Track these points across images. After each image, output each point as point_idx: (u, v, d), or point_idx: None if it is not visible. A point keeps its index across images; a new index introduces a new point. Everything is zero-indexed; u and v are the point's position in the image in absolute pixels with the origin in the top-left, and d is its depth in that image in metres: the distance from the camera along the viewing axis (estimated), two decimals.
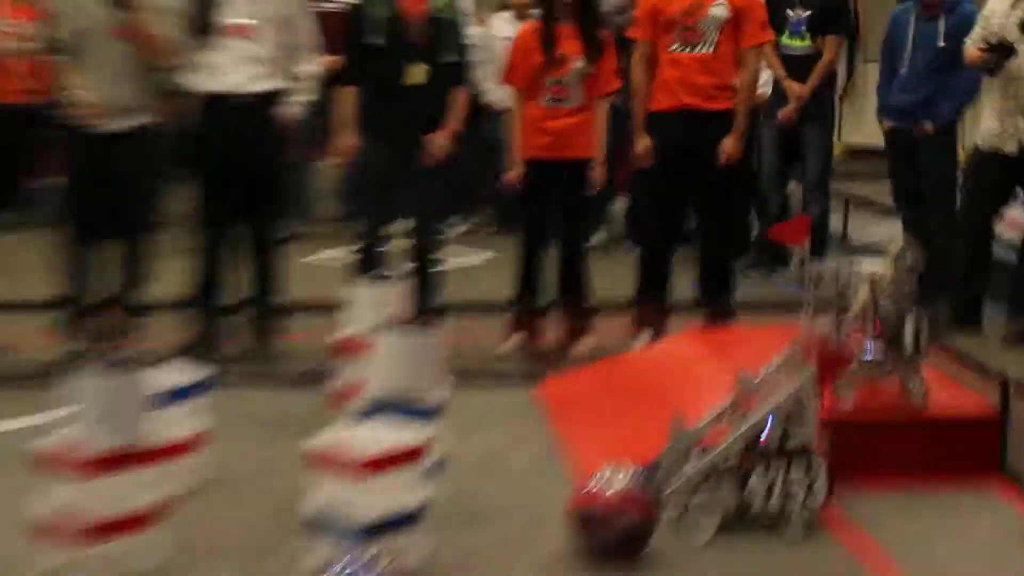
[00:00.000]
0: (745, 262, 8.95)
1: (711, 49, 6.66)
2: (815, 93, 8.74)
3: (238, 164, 6.62)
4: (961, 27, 7.45)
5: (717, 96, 6.70)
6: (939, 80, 7.72)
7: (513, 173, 6.97)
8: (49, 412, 4.52)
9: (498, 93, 9.04)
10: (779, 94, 8.86)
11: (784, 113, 8.76)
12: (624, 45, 7.18)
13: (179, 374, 4.96)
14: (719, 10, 6.62)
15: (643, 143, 6.83)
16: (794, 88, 8.71)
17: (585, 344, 6.89)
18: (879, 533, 4.57)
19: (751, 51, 6.80)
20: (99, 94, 6.54)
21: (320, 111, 9.59)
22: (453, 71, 6.79)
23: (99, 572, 4.03)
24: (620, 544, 4.23)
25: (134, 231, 6.79)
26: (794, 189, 9.58)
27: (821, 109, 8.90)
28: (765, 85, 9.02)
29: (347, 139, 6.77)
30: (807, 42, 8.77)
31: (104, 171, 6.63)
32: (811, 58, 8.76)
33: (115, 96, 6.55)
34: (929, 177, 7.88)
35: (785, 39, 8.77)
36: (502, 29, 10.08)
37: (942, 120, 7.80)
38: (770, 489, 4.48)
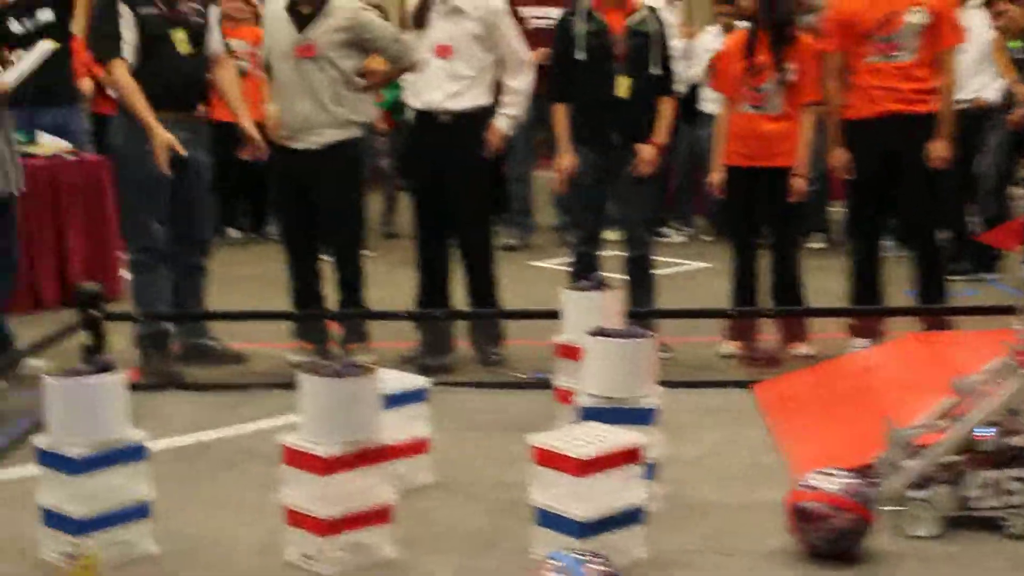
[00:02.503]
0: (958, 267, 8.84)
1: (911, 56, 6.61)
2: None
3: (445, 178, 6.82)
4: None
5: (920, 100, 6.64)
6: None
7: (714, 178, 7.09)
8: (291, 413, 4.71)
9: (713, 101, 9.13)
10: (1009, 97, 8.69)
11: (1015, 116, 8.55)
12: None
13: (404, 379, 5.12)
14: (917, 17, 6.55)
15: (839, 156, 6.83)
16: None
17: (800, 348, 6.91)
18: None
19: (949, 53, 6.73)
20: (284, 112, 6.79)
21: (538, 124, 9.84)
22: (658, 82, 6.86)
23: (338, 563, 4.23)
24: (835, 542, 4.24)
25: (338, 243, 6.99)
26: (1013, 192, 9.42)
27: None
28: (992, 88, 8.96)
29: (566, 158, 6.91)
30: None
31: (298, 186, 6.85)
32: None
33: (300, 114, 6.75)
34: None
35: (1015, 43, 8.60)
36: (710, 41, 10.25)
37: None
38: (989, 489, 4.43)
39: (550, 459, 4.19)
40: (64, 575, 2.71)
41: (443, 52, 6.73)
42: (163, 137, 6.42)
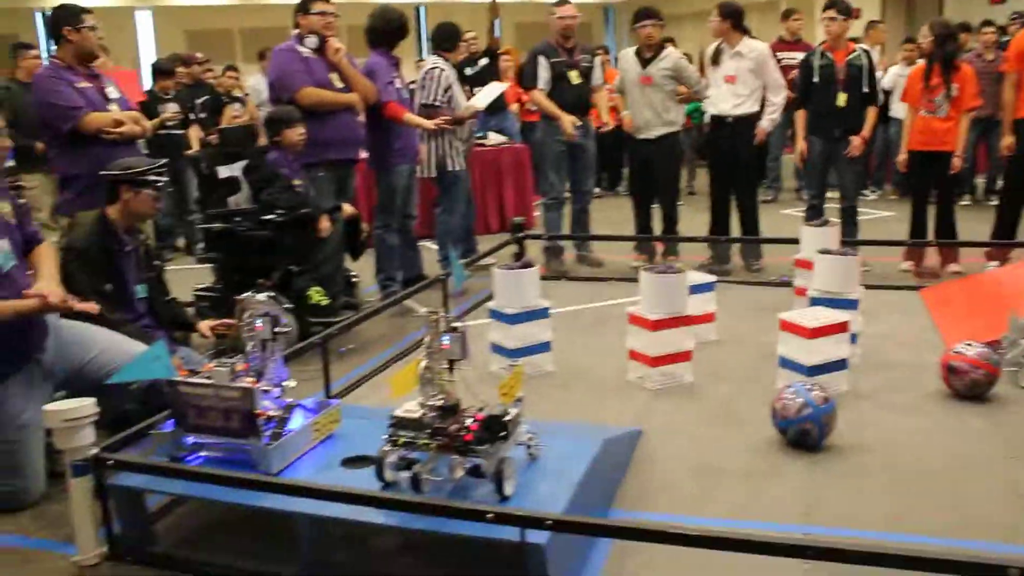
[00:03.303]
0: None
1: None
2: None
3: (730, 158, 6.64)
4: None
5: None
6: None
7: (900, 159, 6.66)
8: (633, 295, 4.79)
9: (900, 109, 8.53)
10: None
11: None
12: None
13: (701, 277, 5.12)
14: None
15: (1007, 141, 6.43)
16: None
17: (953, 267, 6.45)
18: None
19: None
20: (634, 116, 6.73)
21: (787, 124, 9.40)
22: (866, 97, 6.46)
23: (658, 383, 4.32)
24: (972, 389, 4.03)
25: (666, 196, 6.89)
26: None
27: None
28: None
29: (802, 144, 6.65)
30: None
31: (644, 161, 6.81)
32: None
33: (644, 118, 6.69)
34: None
35: None
36: (898, 70, 9.55)
37: None
38: None
39: (791, 327, 4.14)
40: (503, 379, 2.90)
41: (730, 80, 6.57)
42: (567, 118, 6.62)
